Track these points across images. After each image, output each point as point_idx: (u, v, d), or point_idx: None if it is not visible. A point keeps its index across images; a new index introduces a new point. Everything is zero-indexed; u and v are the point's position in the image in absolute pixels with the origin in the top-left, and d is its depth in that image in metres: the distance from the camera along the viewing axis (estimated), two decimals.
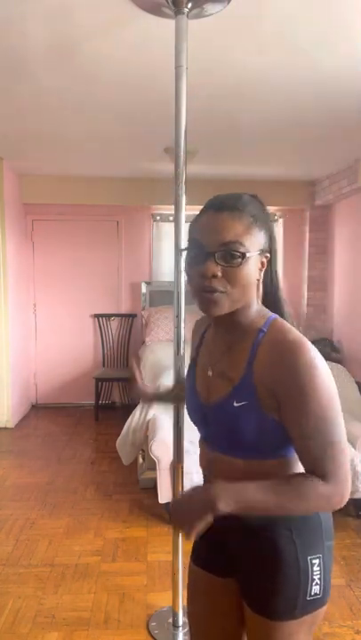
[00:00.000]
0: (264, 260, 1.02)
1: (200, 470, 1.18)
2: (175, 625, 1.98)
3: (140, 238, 5.39)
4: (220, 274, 0.95)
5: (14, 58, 2.35)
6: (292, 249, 5.57)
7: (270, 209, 5.51)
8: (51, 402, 5.44)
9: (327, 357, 4.43)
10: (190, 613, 1.23)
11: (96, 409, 4.94)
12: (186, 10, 1.80)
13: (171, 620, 2.01)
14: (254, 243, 0.98)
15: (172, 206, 1.86)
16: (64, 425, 4.77)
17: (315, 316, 5.49)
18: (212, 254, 0.95)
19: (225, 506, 0.89)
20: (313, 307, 5.49)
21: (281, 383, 0.94)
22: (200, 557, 1.18)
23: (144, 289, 5.35)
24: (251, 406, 0.97)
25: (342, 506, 0.97)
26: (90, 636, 1.98)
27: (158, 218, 5.37)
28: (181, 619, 1.98)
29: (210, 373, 1.07)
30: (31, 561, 2.49)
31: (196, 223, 1.01)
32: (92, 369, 5.37)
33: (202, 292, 0.98)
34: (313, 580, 1.02)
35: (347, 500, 0.96)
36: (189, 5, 1.80)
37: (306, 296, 5.50)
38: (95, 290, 5.37)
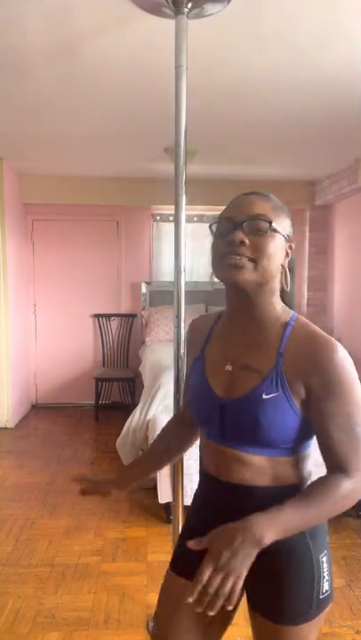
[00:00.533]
0: (288, 249, 1.03)
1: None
2: None
3: (140, 238, 5.39)
4: (247, 241, 0.96)
5: (14, 58, 2.35)
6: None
7: None
8: (51, 402, 5.44)
9: None
10: (167, 633, 1.12)
11: (96, 409, 4.94)
12: (186, 10, 1.80)
13: None
14: (280, 223, 1.00)
15: (172, 206, 1.86)
16: (64, 425, 4.77)
17: (315, 316, 5.49)
18: (239, 224, 0.97)
19: (270, 540, 0.89)
20: (313, 307, 5.49)
21: (316, 376, 0.95)
22: (190, 567, 1.00)
23: (144, 289, 5.35)
24: (281, 398, 0.97)
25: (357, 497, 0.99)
26: (90, 636, 1.98)
27: (158, 218, 5.37)
28: None
29: (229, 368, 1.04)
30: (31, 561, 2.49)
31: (227, 208, 1.04)
32: (92, 369, 5.37)
33: (228, 256, 0.97)
34: (324, 577, 1.03)
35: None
36: (189, 5, 1.80)
37: (306, 296, 5.49)
38: (95, 290, 5.37)
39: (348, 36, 2.12)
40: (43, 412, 5.26)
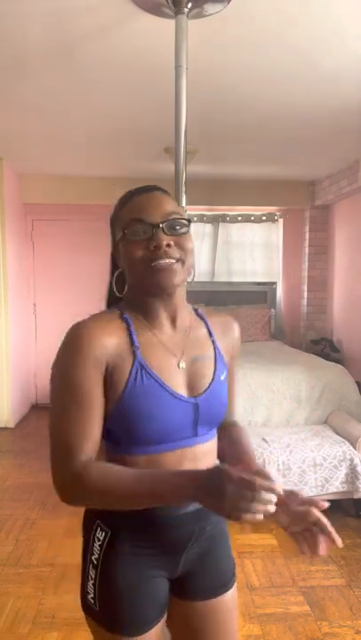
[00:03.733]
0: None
1: None
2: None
3: None
4: (172, 243, 0.95)
5: (14, 58, 2.35)
6: (292, 249, 5.57)
7: (270, 209, 5.55)
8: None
9: (327, 357, 4.44)
10: None
11: None
12: (186, 10, 1.80)
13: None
14: (189, 220, 1.01)
15: None
16: None
17: (315, 316, 5.49)
18: (158, 225, 0.94)
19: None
20: (313, 307, 5.49)
21: (233, 345, 1.12)
22: (138, 622, 0.98)
23: None
24: (226, 374, 1.07)
25: None
26: (90, 636, 1.97)
27: None
28: None
29: (182, 365, 0.99)
30: (31, 561, 2.49)
31: (126, 208, 1.00)
32: None
33: (157, 261, 0.93)
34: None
35: None
36: (189, 5, 1.80)
37: (306, 296, 5.49)
38: (95, 290, 5.34)
39: (348, 36, 2.12)
40: (43, 412, 5.26)
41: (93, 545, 1.06)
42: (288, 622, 2.05)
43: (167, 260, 0.94)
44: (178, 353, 1.00)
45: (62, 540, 2.69)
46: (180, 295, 1.03)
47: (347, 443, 2.86)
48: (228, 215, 5.45)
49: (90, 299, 5.31)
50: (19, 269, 4.95)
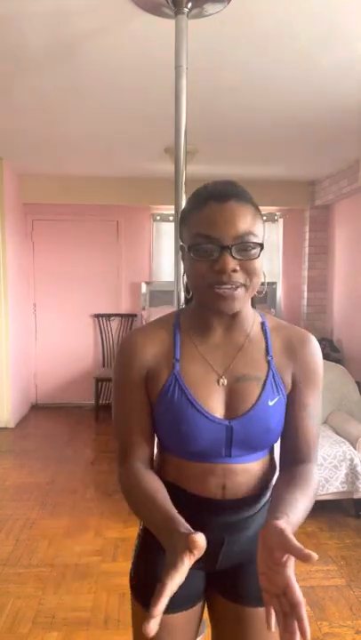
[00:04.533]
0: None
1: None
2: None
3: (140, 238, 5.39)
4: (238, 268, 0.86)
5: (14, 58, 2.35)
6: (292, 249, 5.57)
7: (270, 209, 5.55)
8: (51, 402, 5.44)
9: (327, 357, 4.44)
10: None
11: (96, 409, 4.94)
12: (186, 10, 1.80)
13: None
14: (261, 232, 0.91)
15: (172, 206, 1.86)
16: (64, 425, 4.77)
17: (315, 316, 5.49)
18: (227, 248, 0.85)
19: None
20: (313, 307, 5.49)
21: (299, 367, 0.98)
22: (170, 601, 0.96)
23: (144, 289, 5.35)
24: (281, 400, 0.97)
25: None
26: (90, 636, 1.98)
27: (158, 218, 5.38)
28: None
29: (223, 382, 0.94)
30: (31, 561, 2.49)
31: (196, 215, 0.89)
32: (92, 369, 5.37)
33: (218, 287, 0.87)
34: None
35: None
36: (189, 5, 1.80)
37: (306, 296, 5.50)
38: (95, 290, 5.37)
39: (348, 35, 2.12)
40: (43, 412, 5.26)
41: (140, 525, 1.11)
42: None
43: (228, 288, 0.87)
44: (221, 369, 0.96)
45: (62, 539, 2.69)
46: (246, 308, 0.96)
47: (347, 443, 2.86)
48: None
49: (90, 298, 5.33)
50: (19, 269, 4.95)
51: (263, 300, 5.53)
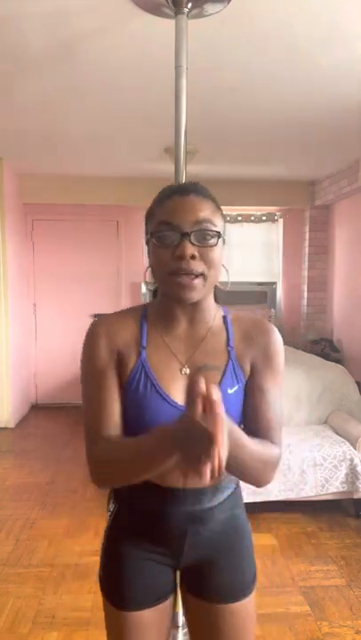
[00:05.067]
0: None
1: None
2: (175, 625, 1.98)
3: (140, 238, 5.38)
4: (197, 254, 0.92)
5: (14, 58, 2.35)
6: (292, 249, 5.57)
7: (270, 209, 5.55)
8: (51, 402, 5.44)
9: (327, 357, 4.44)
10: None
11: None
12: (186, 10, 1.80)
13: None
14: (220, 226, 0.97)
15: None
16: (64, 425, 4.77)
17: (315, 316, 5.49)
18: (186, 234, 0.91)
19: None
20: (313, 307, 5.49)
21: (259, 355, 1.00)
22: (134, 599, 1.02)
23: (144, 289, 5.35)
24: (240, 388, 1.00)
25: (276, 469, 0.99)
26: (90, 636, 1.98)
27: None
28: (181, 618, 1.98)
29: (185, 371, 0.98)
30: (31, 561, 2.49)
31: (159, 208, 0.96)
32: None
33: (177, 275, 0.91)
34: (252, 549, 1.15)
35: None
36: (189, 5, 1.80)
37: (306, 296, 5.50)
38: (95, 290, 5.37)
39: (348, 35, 2.12)
40: (43, 412, 5.26)
41: (108, 517, 1.12)
42: (288, 622, 2.05)
43: (187, 277, 0.91)
44: (184, 359, 0.99)
45: (62, 539, 2.69)
46: (203, 302, 0.99)
47: (347, 443, 2.86)
48: (228, 215, 5.45)
49: (90, 298, 5.33)
50: (19, 269, 4.95)
51: (263, 299, 5.53)
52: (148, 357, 0.98)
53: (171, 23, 1.87)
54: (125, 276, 5.41)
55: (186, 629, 1.93)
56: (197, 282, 0.92)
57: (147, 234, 0.99)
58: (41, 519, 2.91)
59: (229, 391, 0.98)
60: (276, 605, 2.15)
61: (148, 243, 0.99)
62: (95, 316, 5.54)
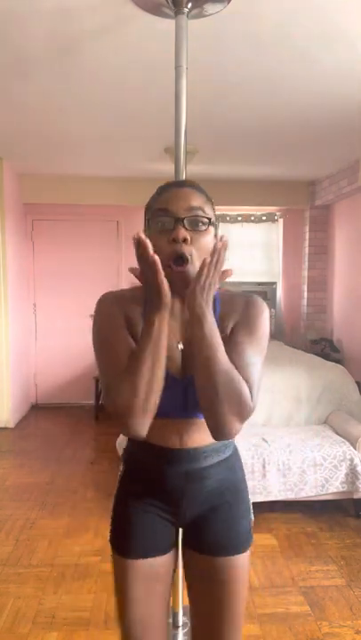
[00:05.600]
0: (215, 237, 1.09)
1: None
2: (175, 625, 1.98)
3: None
4: (189, 238, 1.01)
5: (15, 58, 2.35)
6: (292, 249, 5.57)
7: (270, 209, 5.55)
8: (51, 402, 5.44)
9: (327, 357, 4.44)
10: (133, 614, 1.15)
11: (96, 409, 4.94)
12: (186, 10, 1.80)
13: (170, 620, 2.01)
14: (211, 214, 1.07)
15: None
16: (64, 425, 4.77)
17: (315, 316, 5.49)
18: (180, 220, 1.01)
19: (203, 301, 0.96)
20: (313, 307, 5.49)
21: (239, 319, 1.08)
22: (138, 548, 1.14)
23: None
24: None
25: (246, 418, 1.02)
26: (90, 636, 1.98)
27: None
28: (181, 618, 1.98)
29: (181, 347, 1.08)
30: (31, 561, 2.49)
31: (158, 198, 1.07)
32: (92, 369, 5.37)
33: (173, 266, 1.00)
34: (250, 507, 1.23)
35: (251, 414, 1.03)
36: (189, 5, 1.80)
37: (306, 296, 5.50)
38: (95, 290, 5.33)
39: (349, 35, 2.12)
40: (43, 412, 5.26)
41: (118, 475, 1.24)
42: (288, 622, 2.05)
43: (180, 257, 1.00)
44: (179, 334, 1.09)
45: (62, 539, 2.69)
46: None
47: (347, 443, 2.86)
48: (228, 215, 5.45)
49: (90, 298, 5.32)
50: (19, 269, 4.95)
51: (263, 299, 5.52)
52: None
53: (171, 23, 1.87)
54: (125, 275, 5.41)
55: (186, 629, 1.94)
56: (189, 268, 1.01)
57: (145, 223, 1.09)
58: (41, 519, 2.91)
59: None
60: (276, 605, 2.16)
61: (145, 231, 1.07)
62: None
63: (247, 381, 1.01)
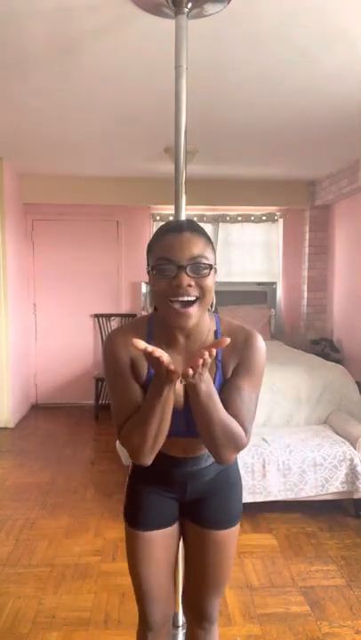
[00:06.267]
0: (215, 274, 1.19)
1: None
2: (175, 625, 1.98)
3: (140, 238, 5.39)
4: (193, 284, 1.09)
5: (15, 58, 2.35)
6: (292, 249, 5.57)
7: (270, 209, 5.55)
8: (51, 402, 5.44)
9: (327, 357, 4.44)
10: (143, 576, 1.37)
11: (96, 409, 4.94)
12: (186, 10, 1.80)
13: (170, 621, 2.00)
14: (211, 259, 1.14)
15: (172, 206, 1.86)
16: (64, 425, 4.77)
17: (315, 316, 5.49)
18: (183, 267, 1.09)
19: (203, 384, 1.07)
20: (313, 307, 5.49)
21: (240, 360, 1.19)
22: (149, 522, 1.35)
23: (144, 289, 5.35)
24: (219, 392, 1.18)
25: (242, 449, 1.20)
26: (90, 636, 1.98)
27: (158, 218, 5.38)
28: (181, 618, 1.98)
29: (183, 381, 1.14)
30: (31, 561, 2.49)
31: (158, 244, 1.14)
32: (92, 369, 5.37)
33: (175, 302, 1.09)
34: (241, 485, 1.43)
35: (246, 446, 1.19)
36: (189, 5, 1.79)
37: (306, 296, 5.50)
38: (95, 290, 5.37)
39: (349, 36, 2.12)
40: (43, 411, 5.26)
41: (130, 466, 1.43)
42: (288, 622, 2.05)
43: (186, 298, 1.09)
44: (180, 369, 1.13)
45: (62, 539, 2.69)
46: (201, 321, 1.17)
47: (347, 443, 2.86)
48: (228, 215, 5.45)
49: (90, 298, 5.33)
50: (19, 269, 4.95)
51: (263, 299, 5.53)
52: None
53: (171, 23, 1.87)
54: (125, 276, 5.41)
55: (186, 629, 1.94)
56: (192, 309, 1.10)
57: (148, 266, 1.17)
58: (41, 519, 2.91)
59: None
60: (276, 605, 2.16)
61: (149, 273, 1.16)
62: (96, 315, 5.54)
63: (243, 423, 1.17)
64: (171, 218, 5.24)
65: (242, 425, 1.17)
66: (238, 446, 1.16)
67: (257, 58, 2.34)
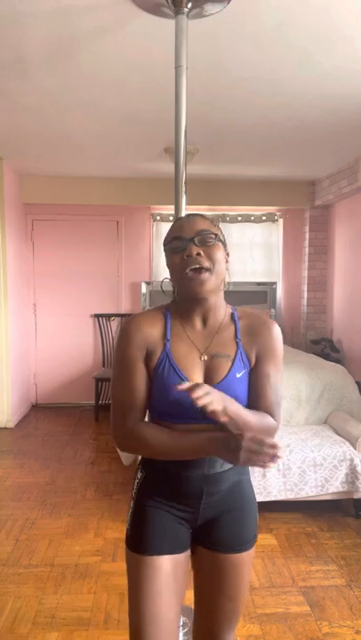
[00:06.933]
0: (226, 256, 1.26)
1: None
2: None
3: (140, 238, 5.39)
4: (202, 252, 1.18)
5: (15, 58, 2.35)
6: (292, 249, 5.57)
7: (270, 209, 5.55)
8: (51, 402, 5.44)
9: (327, 357, 4.44)
10: (147, 614, 1.17)
11: (96, 409, 4.94)
12: (186, 10, 1.80)
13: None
14: (220, 234, 1.25)
15: (172, 206, 1.86)
16: (64, 425, 4.77)
17: (315, 316, 5.49)
18: (190, 240, 1.19)
19: (229, 407, 1.09)
20: (313, 307, 5.49)
21: (262, 345, 1.25)
22: (157, 545, 1.22)
23: (144, 289, 5.35)
24: (246, 372, 1.24)
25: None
26: (90, 636, 1.98)
27: (158, 218, 5.38)
28: (181, 619, 1.98)
29: (204, 358, 1.22)
30: (31, 561, 2.49)
31: (170, 230, 1.26)
32: (92, 369, 5.37)
33: (189, 272, 1.17)
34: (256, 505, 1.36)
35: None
36: (189, 5, 1.80)
37: (306, 296, 5.50)
38: (95, 290, 5.37)
39: (349, 35, 2.12)
40: (43, 411, 5.26)
41: (134, 482, 1.32)
42: (288, 622, 2.05)
43: (197, 273, 1.17)
44: (202, 348, 1.23)
45: (62, 539, 2.69)
46: (215, 300, 1.24)
47: (347, 443, 2.86)
48: (228, 215, 5.45)
49: (90, 298, 5.33)
50: (19, 269, 4.95)
51: (263, 299, 5.53)
52: (172, 347, 1.22)
53: (171, 23, 1.88)
54: (125, 276, 5.41)
55: (186, 629, 1.94)
56: (205, 275, 1.17)
57: (165, 251, 1.26)
58: (41, 519, 2.91)
59: (238, 375, 1.22)
60: (276, 605, 2.16)
61: (166, 256, 1.25)
62: (96, 315, 5.54)
63: (273, 411, 1.23)
64: (171, 218, 5.26)
65: (274, 413, 1.23)
66: (273, 435, 1.21)
67: (257, 58, 2.34)
